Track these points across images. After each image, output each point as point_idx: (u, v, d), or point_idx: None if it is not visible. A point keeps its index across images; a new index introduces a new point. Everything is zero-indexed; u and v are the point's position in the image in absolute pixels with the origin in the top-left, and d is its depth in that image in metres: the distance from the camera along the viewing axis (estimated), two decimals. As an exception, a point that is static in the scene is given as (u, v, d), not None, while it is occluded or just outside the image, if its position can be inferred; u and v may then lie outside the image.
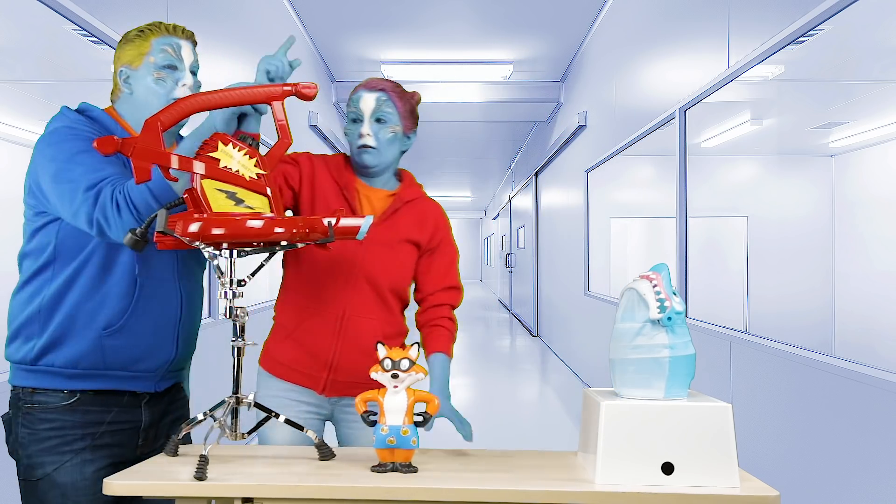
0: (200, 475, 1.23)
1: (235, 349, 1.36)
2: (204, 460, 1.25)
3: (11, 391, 1.49)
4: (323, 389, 1.72)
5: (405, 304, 1.83)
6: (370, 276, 1.71)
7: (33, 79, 2.78)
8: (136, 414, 1.54)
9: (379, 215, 1.73)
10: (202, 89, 1.58)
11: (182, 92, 1.53)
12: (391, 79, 1.76)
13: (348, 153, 1.80)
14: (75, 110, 1.51)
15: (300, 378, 1.72)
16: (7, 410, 1.50)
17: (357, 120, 1.71)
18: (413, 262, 1.79)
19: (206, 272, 1.74)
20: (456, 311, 1.84)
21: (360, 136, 1.69)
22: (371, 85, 1.72)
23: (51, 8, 2.22)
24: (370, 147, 1.70)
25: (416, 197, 1.80)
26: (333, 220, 1.36)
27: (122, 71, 1.53)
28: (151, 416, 1.57)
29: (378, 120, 1.70)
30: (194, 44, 1.59)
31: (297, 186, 1.73)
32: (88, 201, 1.34)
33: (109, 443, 1.49)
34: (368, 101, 1.69)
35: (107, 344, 1.46)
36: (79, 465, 1.45)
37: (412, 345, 1.36)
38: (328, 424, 1.81)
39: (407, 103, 1.76)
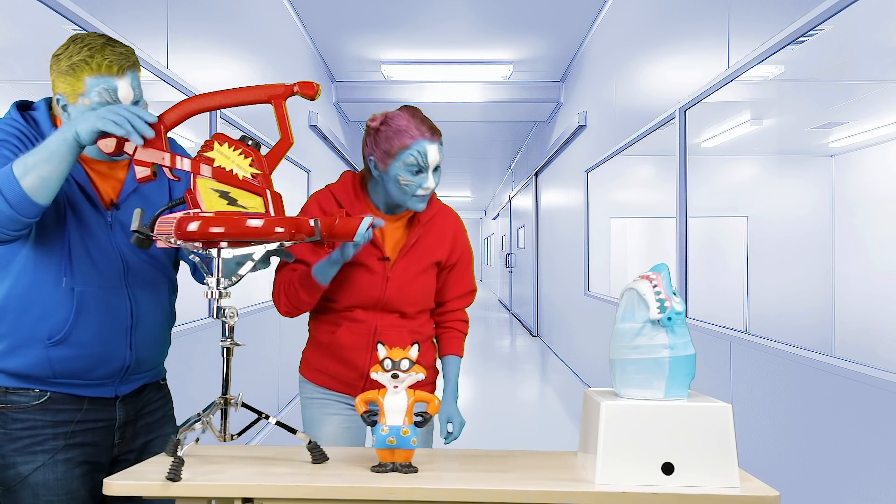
0: (173, 476, 1.22)
1: (224, 350, 1.35)
2: (179, 461, 1.24)
3: None
4: None
5: (432, 310, 1.90)
6: (397, 306, 1.77)
7: (33, 79, 2.78)
8: (109, 412, 1.53)
9: (401, 248, 1.78)
10: (201, 90, 1.58)
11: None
12: (429, 119, 1.72)
13: (354, 169, 1.81)
14: (25, 109, 1.48)
15: (339, 386, 1.81)
16: None
17: (421, 171, 1.68)
18: (435, 277, 1.85)
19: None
20: None
21: (426, 187, 1.69)
22: (432, 136, 1.69)
23: (51, 8, 2.22)
24: (427, 196, 1.72)
25: (433, 214, 1.82)
26: (327, 221, 1.37)
27: (59, 98, 1.43)
28: (126, 415, 1.56)
29: (435, 169, 1.71)
30: (137, 70, 1.45)
31: None
32: None
33: (83, 442, 1.49)
34: (434, 154, 1.68)
35: (53, 355, 1.44)
36: (51, 465, 1.44)
37: (412, 345, 1.36)
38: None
39: None
